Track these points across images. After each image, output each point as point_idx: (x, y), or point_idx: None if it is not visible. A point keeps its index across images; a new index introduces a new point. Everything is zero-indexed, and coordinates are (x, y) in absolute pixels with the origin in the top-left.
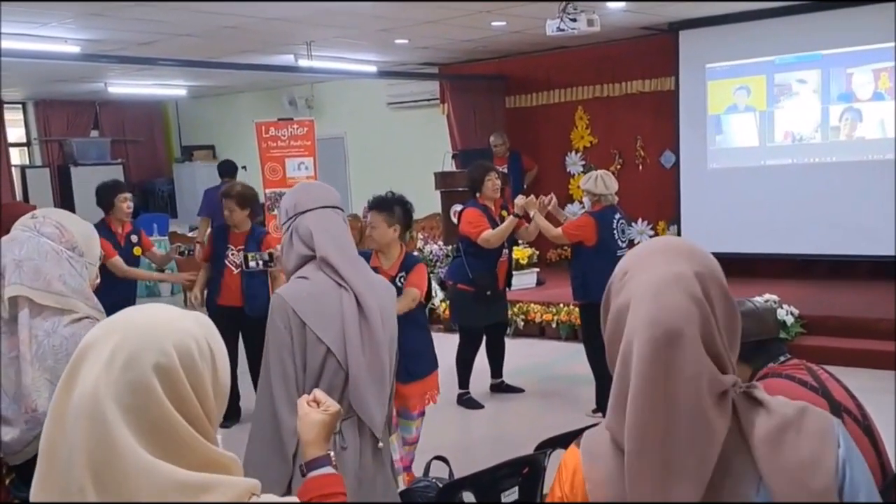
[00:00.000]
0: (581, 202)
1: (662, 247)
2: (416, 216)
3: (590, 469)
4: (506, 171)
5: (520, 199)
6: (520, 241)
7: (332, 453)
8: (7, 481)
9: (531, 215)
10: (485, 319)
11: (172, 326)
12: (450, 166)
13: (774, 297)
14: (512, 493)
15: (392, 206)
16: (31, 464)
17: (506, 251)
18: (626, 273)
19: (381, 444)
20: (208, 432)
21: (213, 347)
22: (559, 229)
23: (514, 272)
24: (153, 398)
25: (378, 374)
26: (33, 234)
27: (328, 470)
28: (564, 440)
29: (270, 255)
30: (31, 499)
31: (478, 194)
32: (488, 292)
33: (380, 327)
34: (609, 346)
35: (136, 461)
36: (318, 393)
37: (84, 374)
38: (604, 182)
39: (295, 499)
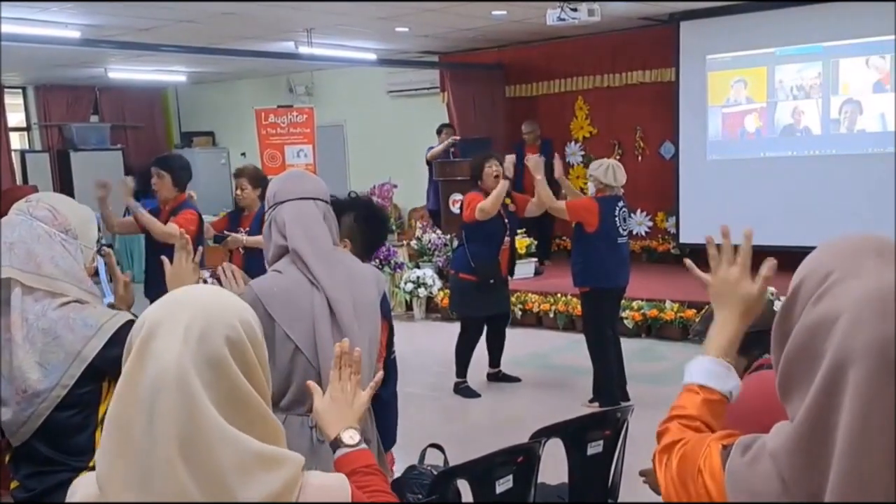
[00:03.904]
0: (582, 189)
1: (874, 247)
2: (414, 205)
3: None
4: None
5: (508, 160)
6: (520, 229)
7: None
8: (7, 458)
9: (536, 178)
10: (486, 310)
11: (230, 302)
12: (449, 155)
13: (772, 289)
14: (506, 482)
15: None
16: (27, 445)
17: (508, 239)
18: (830, 275)
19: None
20: (268, 398)
21: (258, 321)
22: (562, 203)
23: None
24: (228, 370)
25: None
26: (27, 217)
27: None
28: (560, 429)
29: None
30: (102, 474)
31: (479, 182)
32: (491, 280)
33: (353, 326)
34: (790, 363)
35: (221, 432)
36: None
37: (158, 350)
38: (614, 173)
39: (342, 475)
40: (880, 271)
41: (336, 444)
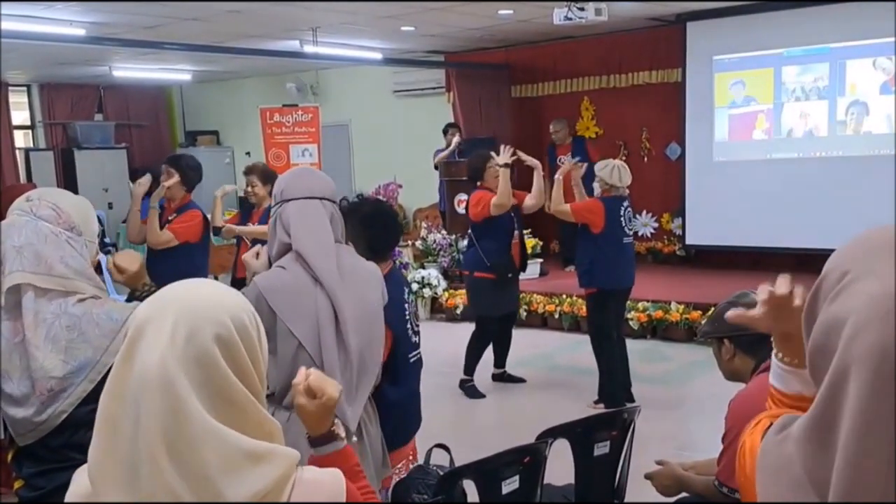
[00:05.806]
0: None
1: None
2: (420, 205)
3: (764, 487)
4: (571, 159)
5: (504, 148)
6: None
7: (335, 427)
8: (9, 456)
9: (556, 177)
10: (503, 308)
11: (224, 299)
12: (455, 156)
13: None
14: (513, 482)
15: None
16: (35, 442)
17: (517, 232)
18: (847, 274)
19: (354, 439)
20: (262, 398)
21: (256, 318)
22: (568, 206)
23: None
24: (217, 368)
25: (352, 371)
26: (30, 217)
27: (334, 446)
28: (566, 430)
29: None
30: (93, 470)
31: (479, 183)
32: (509, 275)
33: (353, 324)
34: (812, 357)
35: (207, 429)
36: (313, 379)
37: (145, 349)
38: (619, 174)
39: (336, 470)
40: (893, 273)
41: (326, 438)
